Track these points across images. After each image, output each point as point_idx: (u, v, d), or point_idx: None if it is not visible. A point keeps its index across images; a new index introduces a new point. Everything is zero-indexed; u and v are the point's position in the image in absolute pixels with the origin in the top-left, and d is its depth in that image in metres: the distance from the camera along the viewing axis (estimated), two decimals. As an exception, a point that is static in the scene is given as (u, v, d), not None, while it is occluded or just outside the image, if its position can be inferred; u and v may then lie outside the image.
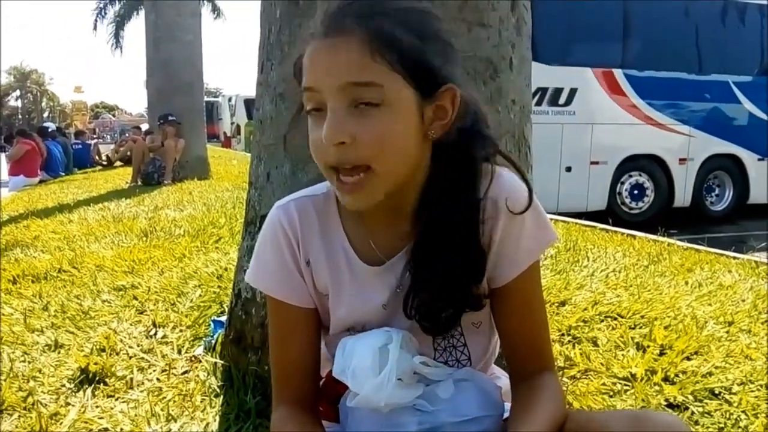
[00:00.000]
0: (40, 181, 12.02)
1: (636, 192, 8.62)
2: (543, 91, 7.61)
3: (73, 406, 2.03)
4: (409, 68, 0.90)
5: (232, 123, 24.26)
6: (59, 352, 2.46)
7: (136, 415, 1.94)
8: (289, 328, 1.07)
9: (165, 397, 2.06)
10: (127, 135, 15.14)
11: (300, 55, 0.95)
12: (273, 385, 1.09)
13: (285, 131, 1.11)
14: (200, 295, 3.02)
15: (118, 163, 14.46)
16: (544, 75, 7.11)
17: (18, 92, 69.42)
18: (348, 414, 1.04)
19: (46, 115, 66.43)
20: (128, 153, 11.91)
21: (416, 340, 1.03)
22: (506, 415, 1.06)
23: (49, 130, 14.95)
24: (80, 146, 16.57)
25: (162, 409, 1.96)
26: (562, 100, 7.83)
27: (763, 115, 8.99)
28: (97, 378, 2.20)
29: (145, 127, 13.62)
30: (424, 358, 1.01)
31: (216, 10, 24.20)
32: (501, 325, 1.06)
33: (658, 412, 1.13)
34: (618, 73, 8.18)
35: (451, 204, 0.97)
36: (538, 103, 7.42)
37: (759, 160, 9.08)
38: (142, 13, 13.39)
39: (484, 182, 1.00)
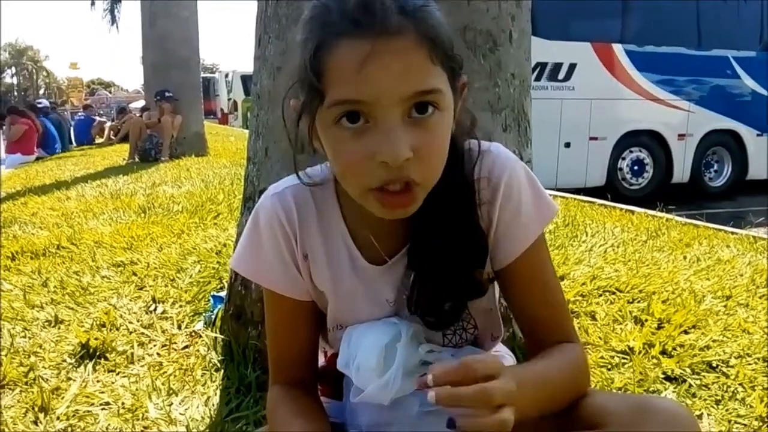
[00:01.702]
0: (37, 159, 11.98)
1: (636, 168, 8.60)
2: (542, 66, 7.56)
3: (74, 380, 2.04)
4: (449, 66, 0.84)
5: (229, 99, 24.12)
6: (59, 328, 2.47)
7: (137, 390, 1.95)
8: (286, 318, 1.03)
9: (166, 372, 2.08)
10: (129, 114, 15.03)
11: (317, 55, 0.79)
12: (269, 366, 1.06)
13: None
14: (199, 271, 3.03)
15: (113, 138, 14.44)
16: (543, 50, 7.06)
17: (13, 69, 69.01)
18: (350, 393, 1.03)
19: (42, 92, 66.05)
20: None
21: (424, 327, 0.99)
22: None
23: (41, 106, 14.85)
24: (83, 118, 16.53)
25: (163, 384, 1.98)
26: (561, 75, 7.78)
27: (762, 91, 8.96)
28: (97, 353, 2.21)
29: (141, 103, 13.53)
30: (430, 346, 0.98)
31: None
32: (514, 305, 1.01)
33: (661, 398, 1.10)
34: (618, 48, 8.13)
35: (447, 192, 0.90)
36: (538, 78, 7.38)
37: (758, 135, 9.06)
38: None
39: (470, 160, 0.95)
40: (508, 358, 1.18)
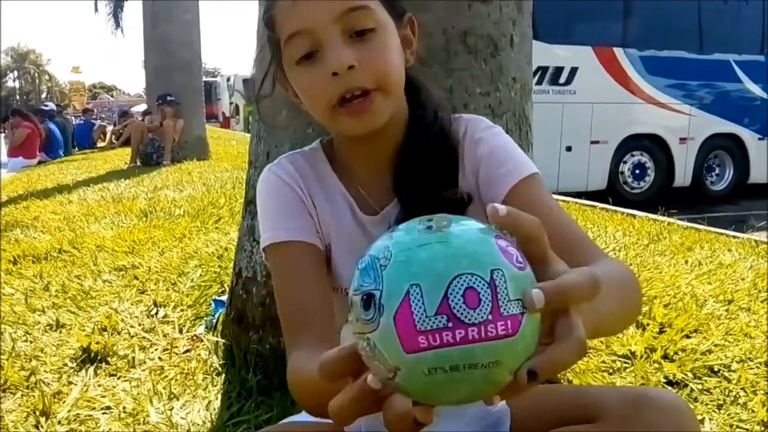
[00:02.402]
0: (39, 162, 11.99)
1: (638, 171, 8.60)
2: (544, 69, 7.56)
3: (75, 385, 2.04)
4: None
5: (231, 103, 24.16)
6: (61, 332, 2.47)
7: (138, 394, 1.95)
8: (298, 268, 0.98)
9: (167, 376, 2.07)
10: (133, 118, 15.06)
11: (266, 10, 0.95)
12: (285, 335, 0.96)
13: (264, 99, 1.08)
14: (201, 275, 3.03)
15: (115, 141, 14.49)
16: (545, 54, 7.07)
17: (16, 73, 69.14)
18: None
19: (44, 95, 66.14)
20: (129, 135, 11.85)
21: None
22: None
23: (47, 109, 14.88)
24: (83, 122, 16.55)
25: (164, 388, 1.97)
26: (562, 79, 7.78)
27: (764, 95, 8.95)
28: (99, 357, 2.21)
29: (143, 107, 13.56)
30: None
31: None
32: None
33: (656, 389, 1.08)
34: (619, 52, 8.13)
35: (424, 137, 0.99)
36: (539, 82, 7.37)
37: (759, 139, 9.05)
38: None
39: (448, 122, 1.03)
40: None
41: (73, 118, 19.23)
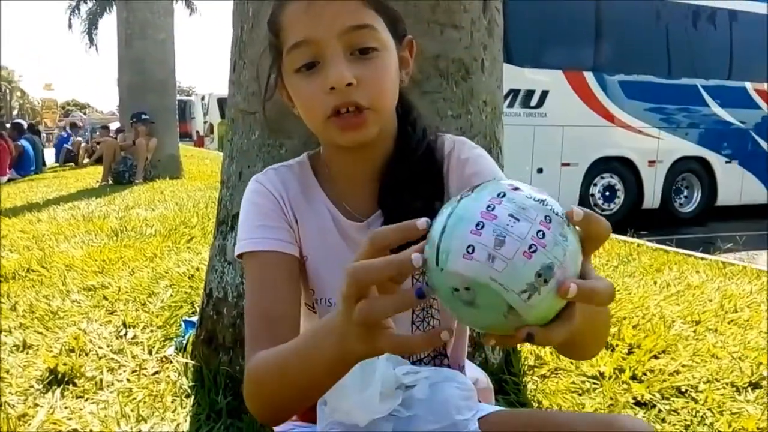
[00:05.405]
0: (9, 180, 11.81)
1: (608, 193, 8.71)
2: (515, 92, 7.66)
3: (41, 406, 2.00)
4: (388, 15, 0.97)
5: (205, 122, 24.08)
6: (27, 353, 2.43)
7: (105, 416, 1.92)
8: (269, 276, 0.98)
9: (135, 398, 2.05)
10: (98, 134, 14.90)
11: (273, 17, 0.97)
12: (247, 342, 0.94)
13: (261, 105, 1.12)
14: (171, 296, 3.00)
15: (86, 160, 14.33)
16: (516, 77, 7.17)
17: (-14, 89, 68.24)
18: (323, 416, 0.99)
19: (15, 112, 65.28)
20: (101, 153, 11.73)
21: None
22: (481, 414, 1.06)
23: (22, 127, 14.70)
24: (65, 136, 16.36)
25: (132, 410, 1.95)
26: (534, 102, 7.88)
27: (730, 118, 9.15)
28: (66, 379, 2.18)
29: (116, 125, 13.45)
30: (406, 368, 0.97)
31: (190, 6, 23.96)
32: None
33: (627, 416, 1.10)
34: (589, 76, 8.26)
35: (409, 151, 1.02)
36: (510, 105, 7.46)
37: (726, 162, 9.23)
38: (114, 10, 13.20)
39: (434, 140, 1.06)
40: (481, 378, 1.18)
41: (45, 134, 18.93)
